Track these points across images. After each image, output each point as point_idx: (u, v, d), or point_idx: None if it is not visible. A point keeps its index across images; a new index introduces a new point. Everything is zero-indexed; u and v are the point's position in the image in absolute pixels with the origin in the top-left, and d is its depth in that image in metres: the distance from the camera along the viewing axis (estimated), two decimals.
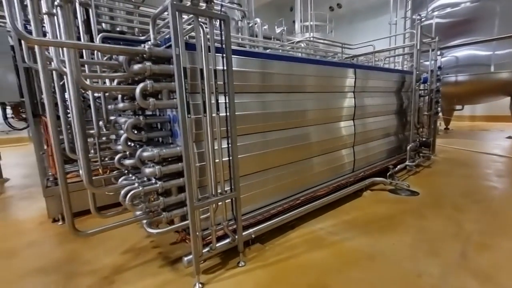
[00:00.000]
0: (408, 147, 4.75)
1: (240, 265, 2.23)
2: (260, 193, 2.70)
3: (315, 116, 3.22)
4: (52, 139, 1.73)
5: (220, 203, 2.15)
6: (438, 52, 5.55)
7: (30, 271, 2.29)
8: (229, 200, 2.23)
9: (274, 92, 2.78)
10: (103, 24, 3.30)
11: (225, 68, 2.06)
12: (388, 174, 4.25)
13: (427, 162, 5.32)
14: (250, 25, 5.88)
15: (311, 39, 7.10)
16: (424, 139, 5.69)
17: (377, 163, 4.44)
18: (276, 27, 11.84)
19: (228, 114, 2.11)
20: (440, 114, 10.19)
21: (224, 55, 2.04)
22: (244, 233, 2.37)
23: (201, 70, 1.94)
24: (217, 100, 2.03)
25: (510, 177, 4.34)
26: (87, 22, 2.50)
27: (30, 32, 1.75)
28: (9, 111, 3.79)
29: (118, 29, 3.51)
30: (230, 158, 2.17)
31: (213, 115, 2.02)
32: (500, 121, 11.34)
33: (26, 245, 2.72)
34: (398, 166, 4.59)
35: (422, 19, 4.65)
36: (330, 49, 7.92)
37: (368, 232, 2.73)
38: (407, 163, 4.70)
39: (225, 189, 2.19)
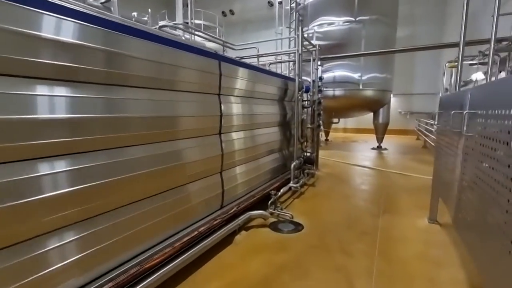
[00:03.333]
0: (292, 166, 4.07)
1: None
2: None
3: (138, 130, 1.87)
4: None
5: None
6: (319, 63, 5.30)
7: None
8: None
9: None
10: None
11: None
12: (269, 202, 3.36)
13: (311, 180, 4.86)
14: None
15: (188, 27, 5.80)
16: (308, 153, 5.29)
17: (258, 188, 3.49)
18: (159, 20, 10.05)
19: None
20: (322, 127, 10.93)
21: None
22: None
23: None
24: None
25: (380, 192, 4.24)
26: None
27: None
28: None
29: None
30: None
31: None
32: (365, 133, 13.26)
33: None
34: (282, 190, 3.81)
35: (301, 19, 4.12)
36: (212, 49, 6.89)
37: None
38: (291, 184, 3.98)
39: None
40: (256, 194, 3.32)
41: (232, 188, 2.85)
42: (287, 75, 5.52)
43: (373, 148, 8.87)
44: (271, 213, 3.34)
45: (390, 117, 8.79)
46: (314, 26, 8.17)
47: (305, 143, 5.01)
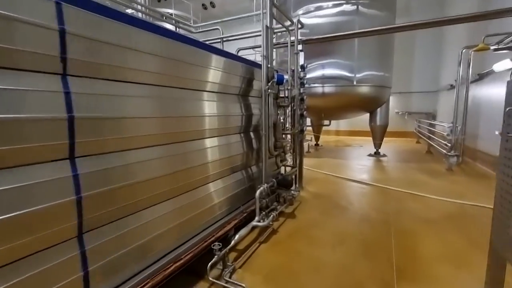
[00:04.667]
0: (257, 193, 2.70)
1: None
2: None
3: None
4: None
5: None
6: (300, 47, 3.97)
7: None
8: None
9: None
10: None
11: None
12: (210, 263, 1.98)
13: (290, 207, 3.50)
14: None
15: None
16: (289, 167, 3.95)
17: (192, 240, 2.11)
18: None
19: None
20: (310, 128, 9.63)
21: None
22: None
23: None
24: None
25: (388, 228, 2.92)
26: None
27: None
28: None
29: None
30: None
31: None
32: (359, 136, 12.03)
33: None
34: (241, 232, 2.45)
35: None
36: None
37: None
38: (254, 222, 2.62)
39: None
40: (184, 255, 1.93)
41: (115, 261, 1.46)
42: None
43: (370, 155, 7.59)
44: (212, 284, 1.98)
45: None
46: (298, 13, 6.87)
47: (283, 154, 3.66)
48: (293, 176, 3.78)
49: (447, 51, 9.88)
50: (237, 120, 2.93)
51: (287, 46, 3.90)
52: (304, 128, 4.05)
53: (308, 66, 6.72)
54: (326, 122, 9.78)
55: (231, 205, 2.71)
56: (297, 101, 3.74)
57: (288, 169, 4.03)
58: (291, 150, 4.08)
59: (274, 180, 3.09)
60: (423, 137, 9.19)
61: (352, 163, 6.64)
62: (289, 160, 4.07)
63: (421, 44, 11.34)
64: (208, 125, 2.42)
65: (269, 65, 2.92)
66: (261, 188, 2.77)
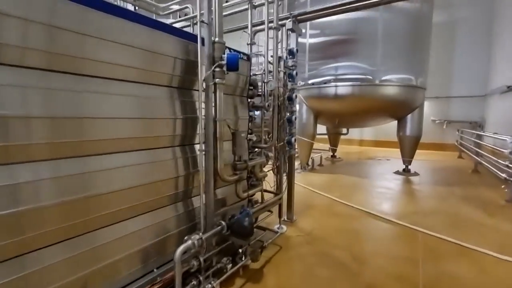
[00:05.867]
0: (177, 254, 1.55)
1: None
2: None
3: None
4: None
5: None
6: (289, 23, 2.81)
7: None
8: None
9: None
10: None
11: None
12: None
13: (260, 260, 2.29)
14: None
15: None
16: (271, 193, 2.79)
17: None
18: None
19: None
20: (326, 136, 8.27)
21: None
22: None
23: None
24: None
25: None
26: None
27: None
28: None
29: None
30: None
31: None
32: (385, 147, 10.37)
33: None
34: None
35: None
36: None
37: None
38: None
39: None
40: None
41: None
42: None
43: (397, 172, 6.09)
44: None
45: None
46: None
47: (255, 179, 2.49)
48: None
49: (500, 42, 8.02)
50: (167, 127, 1.85)
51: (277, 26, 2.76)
52: (294, 140, 2.84)
53: (323, 67, 5.53)
54: (343, 130, 8.42)
55: (138, 268, 1.61)
56: (279, 101, 2.57)
57: (270, 196, 2.85)
58: (275, 171, 2.89)
59: (223, 223, 1.93)
60: (467, 151, 7.44)
61: (372, 183, 5.23)
62: (271, 184, 2.90)
63: (464, 36, 9.51)
64: (100, 134, 1.37)
65: (216, 39, 1.82)
66: (189, 242, 1.63)
